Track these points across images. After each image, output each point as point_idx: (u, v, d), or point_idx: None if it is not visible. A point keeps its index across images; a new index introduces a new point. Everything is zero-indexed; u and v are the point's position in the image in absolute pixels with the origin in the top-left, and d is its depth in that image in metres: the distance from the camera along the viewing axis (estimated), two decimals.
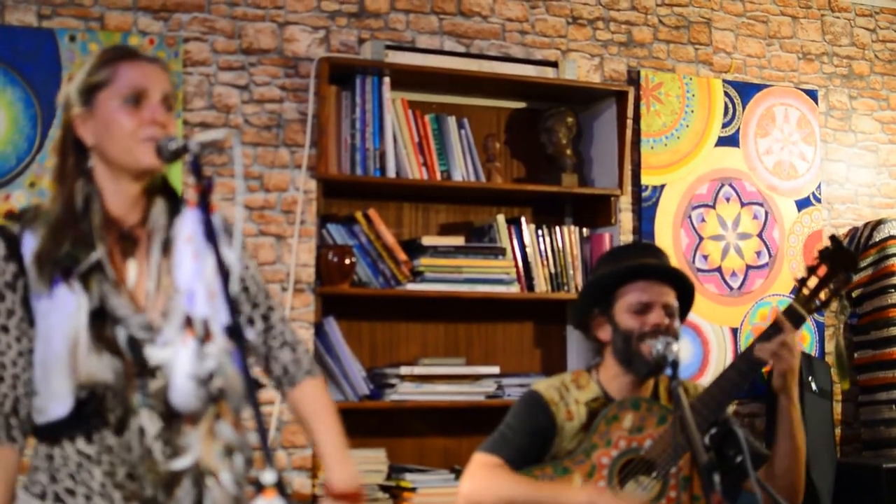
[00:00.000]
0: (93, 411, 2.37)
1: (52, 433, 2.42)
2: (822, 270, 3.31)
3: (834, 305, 3.41)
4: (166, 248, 2.45)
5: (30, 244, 2.42)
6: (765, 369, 3.44)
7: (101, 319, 2.36)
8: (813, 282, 3.31)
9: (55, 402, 2.39)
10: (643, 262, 3.40)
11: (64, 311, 2.37)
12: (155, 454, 2.38)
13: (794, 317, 3.29)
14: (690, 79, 5.75)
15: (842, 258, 3.31)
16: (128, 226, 2.47)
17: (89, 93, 2.45)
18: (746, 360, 3.28)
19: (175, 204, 2.50)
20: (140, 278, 2.45)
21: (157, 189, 2.51)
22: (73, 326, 2.35)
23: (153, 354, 2.35)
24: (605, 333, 3.40)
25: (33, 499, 2.42)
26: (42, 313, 2.40)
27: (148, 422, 2.38)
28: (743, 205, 5.82)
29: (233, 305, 2.13)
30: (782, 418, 3.30)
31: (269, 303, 2.71)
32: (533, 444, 3.31)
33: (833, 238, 3.35)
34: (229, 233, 2.47)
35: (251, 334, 2.64)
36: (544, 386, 3.41)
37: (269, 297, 2.72)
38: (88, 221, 2.42)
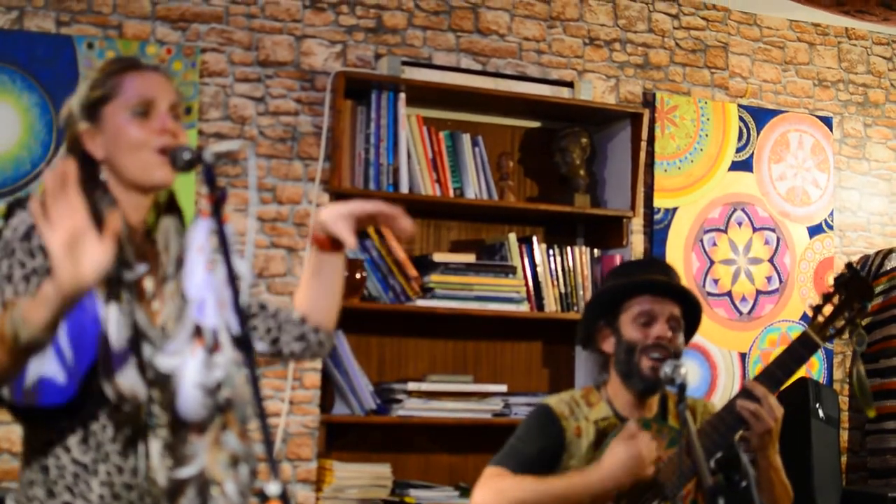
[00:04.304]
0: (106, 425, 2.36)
1: (44, 421, 2.33)
2: (837, 298, 3.30)
3: (846, 335, 3.39)
4: (180, 267, 2.39)
5: None
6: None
7: (135, 336, 2.34)
8: (828, 309, 3.30)
9: (52, 381, 2.26)
10: (651, 277, 3.40)
11: (92, 306, 2.33)
12: (157, 476, 2.37)
13: (808, 344, 3.28)
14: (706, 102, 5.76)
15: (858, 287, 3.30)
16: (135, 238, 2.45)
17: (94, 107, 2.40)
18: (730, 411, 3.26)
19: (183, 223, 2.47)
20: None
21: (164, 206, 2.48)
22: (104, 330, 2.31)
23: (161, 361, 2.34)
24: (609, 346, 3.40)
25: None
26: None
27: (155, 445, 2.37)
28: (755, 230, 5.82)
29: (243, 316, 2.12)
30: (761, 477, 3.23)
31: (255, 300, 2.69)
32: (542, 457, 3.31)
33: (849, 266, 3.33)
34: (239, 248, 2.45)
35: (260, 345, 2.64)
36: (555, 400, 3.41)
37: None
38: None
